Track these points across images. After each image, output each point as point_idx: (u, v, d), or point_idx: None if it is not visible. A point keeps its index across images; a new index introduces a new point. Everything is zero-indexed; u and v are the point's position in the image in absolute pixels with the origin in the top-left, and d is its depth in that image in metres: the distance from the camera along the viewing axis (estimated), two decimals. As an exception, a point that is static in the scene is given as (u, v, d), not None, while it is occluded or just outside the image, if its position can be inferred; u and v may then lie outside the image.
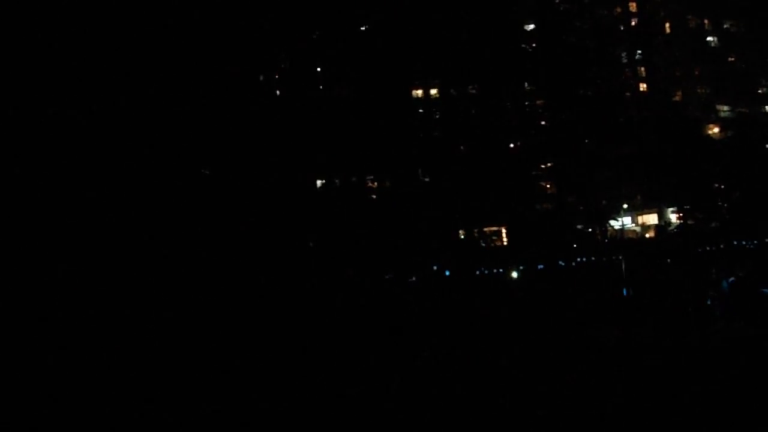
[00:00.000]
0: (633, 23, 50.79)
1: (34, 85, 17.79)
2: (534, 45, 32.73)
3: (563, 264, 31.53)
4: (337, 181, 28.45)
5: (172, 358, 14.87)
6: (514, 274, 29.58)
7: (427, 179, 30.60)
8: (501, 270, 29.07)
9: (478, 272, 28.58)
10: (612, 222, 36.96)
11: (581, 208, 33.44)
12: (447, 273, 27.27)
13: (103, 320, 16.18)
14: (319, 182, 27.67)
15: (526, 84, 32.79)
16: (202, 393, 11.95)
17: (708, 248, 34.84)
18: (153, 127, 19.51)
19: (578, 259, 32.73)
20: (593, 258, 32.80)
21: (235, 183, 22.38)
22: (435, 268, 28.56)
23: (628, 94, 42.78)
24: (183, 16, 20.68)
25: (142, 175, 19.18)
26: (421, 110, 31.60)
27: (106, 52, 19.03)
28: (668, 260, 32.51)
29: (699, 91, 53.83)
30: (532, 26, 34.37)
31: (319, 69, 29.08)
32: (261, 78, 26.48)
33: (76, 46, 18.54)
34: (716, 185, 41.17)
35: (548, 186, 33.32)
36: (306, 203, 25.60)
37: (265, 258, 22.01)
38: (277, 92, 27.80)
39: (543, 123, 33.28)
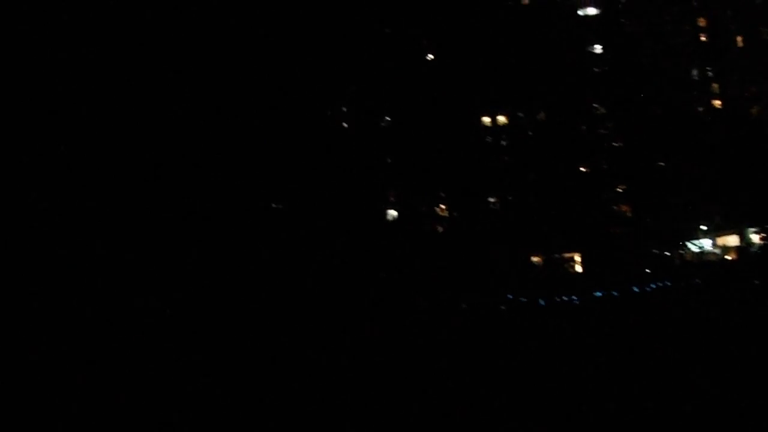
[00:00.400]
0: (703, 38, 49.31)
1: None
2: (604, 68, 32.37)
3: (637, 289, 30.66)
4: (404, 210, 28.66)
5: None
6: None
7: (497, 206, 30.50)
8: (576, 297, 28.46)
9: (556, 299, 28.07)
10: (690, 244, 35.72)
11: (658, 230, 32.51)
12: (542, 302, 26.74)
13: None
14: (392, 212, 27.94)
15: (596, 106, 32.39)
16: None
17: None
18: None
19: (654, 284, 31.72)
20: (669, 282, 31.72)
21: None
22: (509, 296, 28.24)
23: (701, 109, 41.51)
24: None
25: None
26: (489, 137, 31.63)
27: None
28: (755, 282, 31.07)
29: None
30: (599, 49, 34.03)
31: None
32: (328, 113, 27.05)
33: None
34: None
35: (624, 209, 32.57)
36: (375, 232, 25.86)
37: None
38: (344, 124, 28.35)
39: (615, 144, 32.69)
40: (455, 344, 22.37)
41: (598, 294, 29.97)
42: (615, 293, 27.92)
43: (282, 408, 10.79)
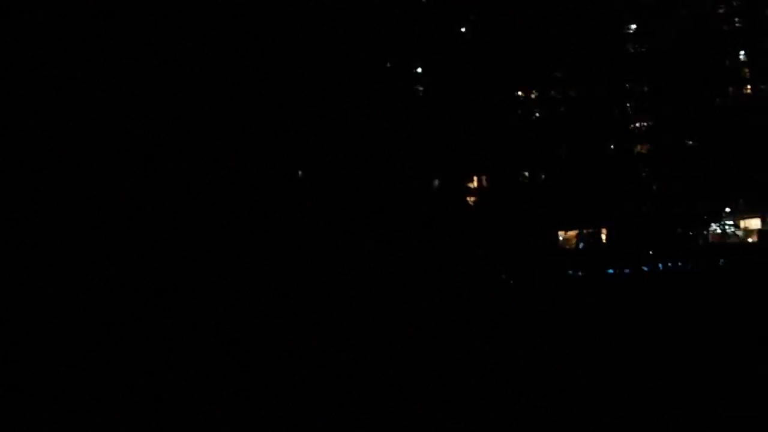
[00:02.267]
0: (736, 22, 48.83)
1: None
2: (636, 46, 32.53)
3: (661, 267, 31.17)
4: (437, 181, 29.08)
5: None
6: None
7: (527, 180, 30.89)
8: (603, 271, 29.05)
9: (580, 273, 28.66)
10: (714, 226, 36.04)
11: (683, 211, 32.88)
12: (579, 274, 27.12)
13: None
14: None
15: (627, 86, 32.60)
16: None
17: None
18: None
19: (678, 263, 32.16)
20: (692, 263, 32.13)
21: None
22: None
23: (731, 89, 41.33)
24: None
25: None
26: (520, 111, 31.94)
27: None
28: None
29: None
30: (634, 27, 34.08)
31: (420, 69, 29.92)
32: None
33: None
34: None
35: (653, 188, 32.88)
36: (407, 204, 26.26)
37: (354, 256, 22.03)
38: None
39: (644, 124, 32.96)
40: (496, 315, 22.97)
41: (626, 271, 30.55)
42: (644, 268, 28.50)
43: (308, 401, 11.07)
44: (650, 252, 30.71)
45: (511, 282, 26.98)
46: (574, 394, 11.68)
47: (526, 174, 30.30)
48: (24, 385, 12.33)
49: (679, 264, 32.02)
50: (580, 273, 28.62)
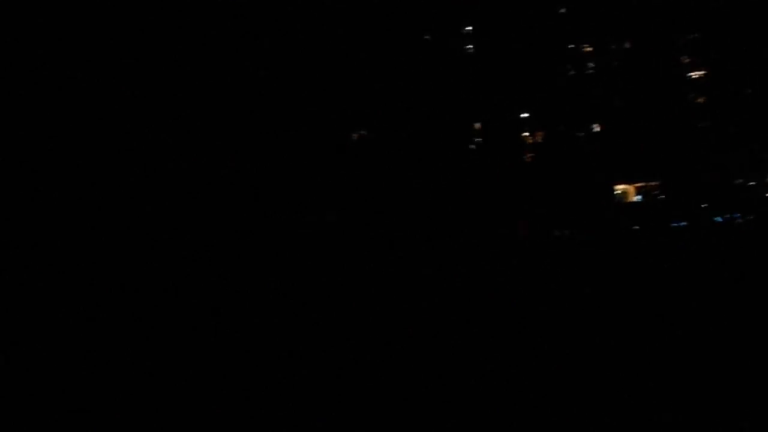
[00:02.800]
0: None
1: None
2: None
3: (720, 220, 30.60)
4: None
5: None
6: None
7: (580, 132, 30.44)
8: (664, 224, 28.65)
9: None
10: (772, 177, 35.12)
11: (741, 162, 32.10)
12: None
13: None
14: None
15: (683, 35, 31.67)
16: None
17: None
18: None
19: (736, 215, 31.54)
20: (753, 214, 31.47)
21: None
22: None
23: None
24: None
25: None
26: (572, 65, 31.34)
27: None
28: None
29: None
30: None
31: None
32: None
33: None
34: None
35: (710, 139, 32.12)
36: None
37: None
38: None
39: (700, 73, 32.07)
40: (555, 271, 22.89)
41: (682, 224, 30.09)
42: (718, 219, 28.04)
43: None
44: (707, 204, 30.14)
45: (570, 236, 26.83)
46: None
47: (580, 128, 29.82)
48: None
49: (737, 216, 31.43)
50: (638, 227, 28.29)
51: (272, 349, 15.08)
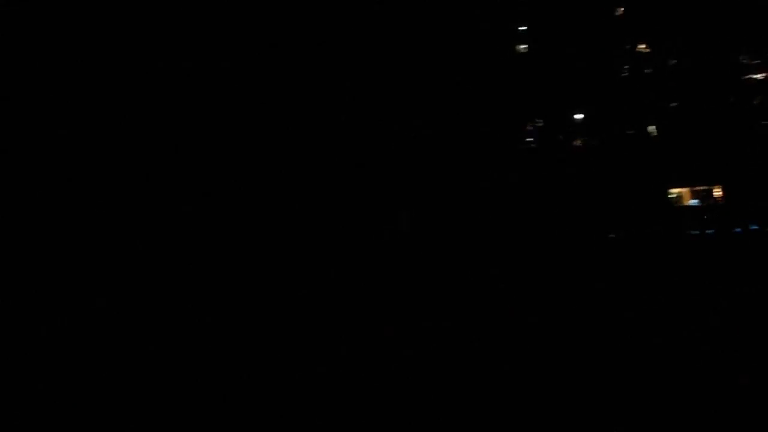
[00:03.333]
0: None
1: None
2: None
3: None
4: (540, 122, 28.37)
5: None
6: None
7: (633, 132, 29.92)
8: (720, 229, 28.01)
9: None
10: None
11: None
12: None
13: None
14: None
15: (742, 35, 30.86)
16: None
17: None
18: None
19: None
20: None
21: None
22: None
23: None
24: None
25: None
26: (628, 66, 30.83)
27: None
28: None
29: None
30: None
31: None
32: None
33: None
34: None
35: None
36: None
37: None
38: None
39: (759, 76, 31.22)
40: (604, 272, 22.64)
41: (738, 230, 29.36)
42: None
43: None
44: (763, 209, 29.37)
45: (620, 239, 26.47)
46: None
47: (634, 129, 29.33)
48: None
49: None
50: (695, 232, 27.73)
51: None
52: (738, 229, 28.55)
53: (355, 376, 12.42)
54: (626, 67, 30.16)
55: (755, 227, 27.77)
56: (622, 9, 28.78)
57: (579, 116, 28.35)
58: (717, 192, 30.64)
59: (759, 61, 31.08)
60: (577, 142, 28.36)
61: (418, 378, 11.83)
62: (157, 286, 18.17)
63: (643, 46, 30.54)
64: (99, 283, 17.67)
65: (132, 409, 11.01)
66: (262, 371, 13.20)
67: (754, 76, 30.85)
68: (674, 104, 29.18)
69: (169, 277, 18.59)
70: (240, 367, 13.50)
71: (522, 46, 28.84)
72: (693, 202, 29.62)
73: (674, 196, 29.27)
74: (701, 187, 29.63)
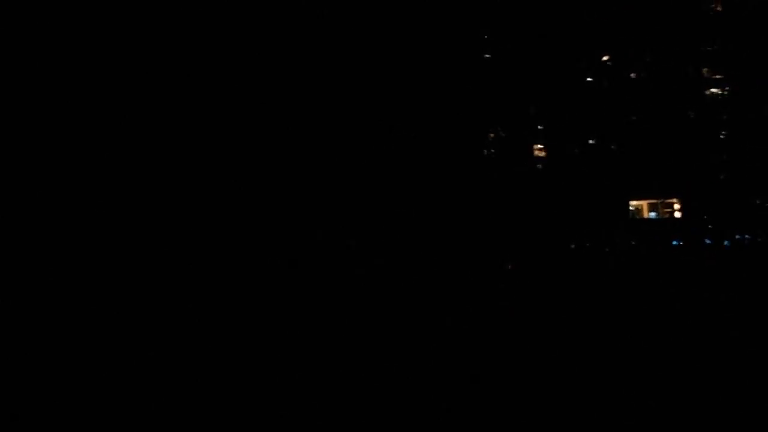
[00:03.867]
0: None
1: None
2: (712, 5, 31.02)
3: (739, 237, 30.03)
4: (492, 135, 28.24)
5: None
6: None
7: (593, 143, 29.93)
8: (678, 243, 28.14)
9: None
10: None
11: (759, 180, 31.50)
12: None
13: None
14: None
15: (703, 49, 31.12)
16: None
17: None
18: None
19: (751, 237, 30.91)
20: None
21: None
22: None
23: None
24: None
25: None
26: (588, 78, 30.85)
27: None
28: None
29: None
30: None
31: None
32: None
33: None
34: None
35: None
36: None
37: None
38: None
39: (721, 91, 31.51)
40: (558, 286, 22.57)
41: (708, 242, 29.50)
42: (726, 243, 27.49)
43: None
44: (723, 224, 29.58)
45: (582, 250, 26.42)
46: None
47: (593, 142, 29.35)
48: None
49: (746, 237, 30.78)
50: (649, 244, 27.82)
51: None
52: (695, 242, 28.73)
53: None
54: (588, 80, 30.18)
55: (709, 242, 27.92)
56: (586, 21, 28.73)
57: (540, 127, 28.28)
58: (676, 205, 30.86)
59: (720, 76, 31.37)
60: (539, 153, 28.29)
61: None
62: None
63: (606, 57, 30.62)
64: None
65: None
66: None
67: (714, 90, 31.11)
68: (634, 117, 29.26)
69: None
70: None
71: (486, 55, 28.72)
72: (651, 214, 29.79)
73: (633, 209, 29.40)
74: (659, 200, 29.79)
